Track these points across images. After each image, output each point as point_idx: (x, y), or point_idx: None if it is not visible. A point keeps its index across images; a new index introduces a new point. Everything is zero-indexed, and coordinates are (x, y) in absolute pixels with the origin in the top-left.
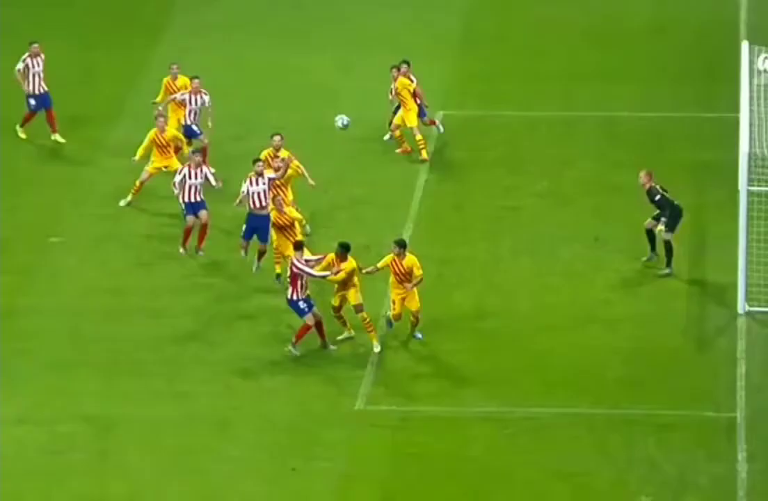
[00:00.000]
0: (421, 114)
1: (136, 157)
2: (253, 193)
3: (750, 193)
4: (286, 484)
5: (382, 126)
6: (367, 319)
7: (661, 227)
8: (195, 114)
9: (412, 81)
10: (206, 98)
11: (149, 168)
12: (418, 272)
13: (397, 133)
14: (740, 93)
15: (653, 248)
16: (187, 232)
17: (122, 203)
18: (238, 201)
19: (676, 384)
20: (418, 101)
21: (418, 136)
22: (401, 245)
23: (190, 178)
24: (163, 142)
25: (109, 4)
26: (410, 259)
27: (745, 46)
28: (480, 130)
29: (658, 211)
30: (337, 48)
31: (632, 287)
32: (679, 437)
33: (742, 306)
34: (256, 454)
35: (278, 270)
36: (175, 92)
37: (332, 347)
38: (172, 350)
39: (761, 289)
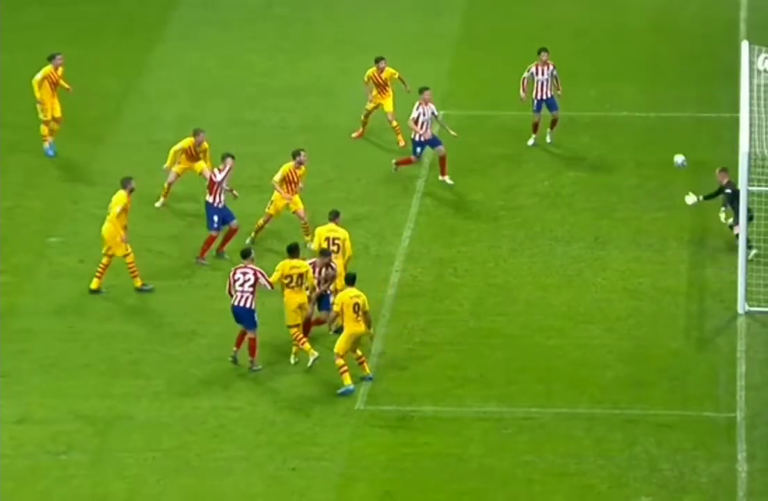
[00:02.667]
0: (551, 107)
1: (166, 166)
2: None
3: (750, 193)
4: (285, 484)
5: (381, 126)
6: (297, 335)
7: (729, 221)
8: (427, 125)
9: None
10: (434, 108)
11: (176, 169)
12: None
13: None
14: (740, 93)
15: (749, 246)
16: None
17: (157, 205)
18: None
19: (675, 384)
20: (551, 94)
21: (394, 123)
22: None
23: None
24: (194, 153)
25: (108, 4)
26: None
27: (745, 46)
28: (480, 130)
29: (724, 208)
30: (335, 48)
31: (632, 287)
32: (679, 437)
33: (742, 306)
34: (255, 454)
35: None
36: (56, 81)
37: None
38: (172, 350)
39: (761, 289)
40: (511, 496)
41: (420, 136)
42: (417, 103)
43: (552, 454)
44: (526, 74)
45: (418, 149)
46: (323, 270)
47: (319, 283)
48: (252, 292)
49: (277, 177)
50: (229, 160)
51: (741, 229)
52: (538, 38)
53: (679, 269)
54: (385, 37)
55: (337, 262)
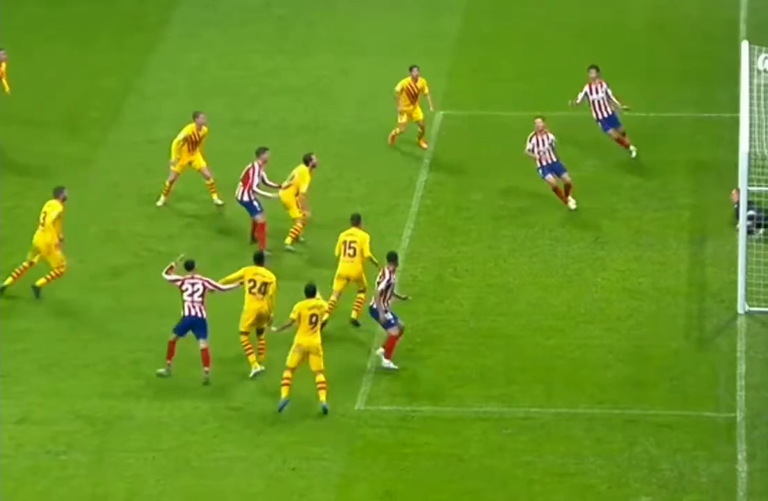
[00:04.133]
0: (615, 124)
1: (173, 159)
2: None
3: (750, 193)
4: (285, 484)
5: (381, 125)
6: (246, 344)
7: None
8: (542, 156)
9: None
10: (552, 138)
11: (175, 167)
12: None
13: (397, 130)
14: (740, 93)
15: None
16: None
17: (158, 204)
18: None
19: (675, 384)
20: (611, 110)
21: (426, 128)
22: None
23: None
24: (197, 139)
25: (108, 4)
26: None
27: (745, 46)
28: (480, 130)
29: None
30: (335, 48)
31: (632, 287)
32: (679, 437)
33: (742, 306)
34: (255, 454)
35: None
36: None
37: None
38: None
39: (761, 289)
40: (511, 496)
41: (541, 163)
42: (531, 134)
43: (552, 454)
44: (580, 95)
45: (541, 172)
46: (392, 274)
47: (388, 290)
48: (202, 302)
49: (304, 187)
50: (263, 156)
51: (741, 229)
52: (538, 38)
53: (679, 269)
54: (385, 37)
55: (353, 265)
